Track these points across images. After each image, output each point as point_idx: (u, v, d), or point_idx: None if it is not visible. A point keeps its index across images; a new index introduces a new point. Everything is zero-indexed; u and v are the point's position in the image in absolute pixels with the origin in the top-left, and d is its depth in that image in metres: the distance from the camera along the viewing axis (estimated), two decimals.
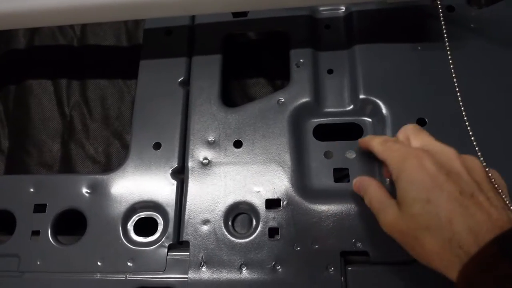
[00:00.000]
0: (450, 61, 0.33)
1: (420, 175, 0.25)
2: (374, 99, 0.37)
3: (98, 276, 0.34)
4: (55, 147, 0.46)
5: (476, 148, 0.30)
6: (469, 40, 0.38)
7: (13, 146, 0.47)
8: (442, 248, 0.24)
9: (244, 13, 0.42)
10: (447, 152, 0.27)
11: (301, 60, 0.39)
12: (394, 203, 0.27)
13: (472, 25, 0.39)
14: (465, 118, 0.31)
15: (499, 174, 0.27)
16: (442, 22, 0.33)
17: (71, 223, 0.37)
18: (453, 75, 0.33)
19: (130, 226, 0.36)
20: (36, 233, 0.36)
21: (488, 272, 0.21)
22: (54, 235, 0.36)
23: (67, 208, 0.37)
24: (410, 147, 0.28)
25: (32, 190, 0.38)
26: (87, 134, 0.46)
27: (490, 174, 0.26)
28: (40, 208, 0.37)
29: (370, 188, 0.30)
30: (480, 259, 0.22)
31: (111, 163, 0.45)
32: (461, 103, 0.32)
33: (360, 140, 0.34)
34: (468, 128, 0.30)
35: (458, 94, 0.31)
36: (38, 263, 0.35)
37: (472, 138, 0.29)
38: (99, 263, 0.35)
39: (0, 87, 0.50)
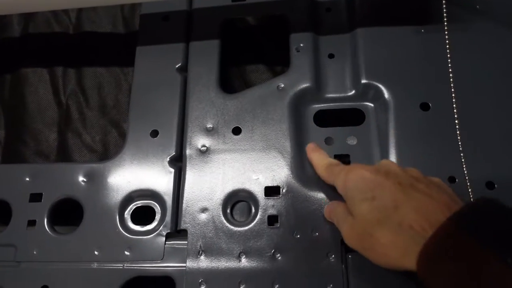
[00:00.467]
0: (447, 46, 0.32)
1: (362, 180, 0.28)
2: (376, 83, 0.36)
3: (95, 265, 0.34)
4: (51, 136, 0.45)
5: (458, 137, 0.29)
6: (474, 23, 0.37)
7: (9, 135, 0.46)
8: (395, 234, 0.24)
9: None
10: (383, 161, 0.29)
11: (301, 45, 0.38)
12: (351, 215, 0.28)
13: (478, 6, 0.38)
14: (454, 105, 0.31)
15: (441, 180, 0.28)
16: (444, 3, 0.32)
17: (68, 212, 0.37)
18: (448, 57, 0.32)
19: (127, 215, 0.36)
20: (32, 222, 0.36)
21: (448, 249, 0.21)
22: (51, 224, 0.36)
23: (64, 197, 0.36)
24: (349, 165, 0.31)
25: (28, 179, 0.37)
26: (84, 123, 0.45)
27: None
28: (36, 197, 0.36)
29: (335, 209, 0.31)
30: (439, 237, 0.22)
31: (109, 152, 0.44)
32: (452, 90, 0.32)
33: (307, 151, 0.34)
34: (456, 121, 0.30)
35: (451, 80, 0.31)
36: (35, 252, 0.35)
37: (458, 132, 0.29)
38: (96, 252, 0.34)
39: None
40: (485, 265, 0.20)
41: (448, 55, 0.35)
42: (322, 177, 0.32)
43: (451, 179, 0.32)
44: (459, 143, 0.33)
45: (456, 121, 0.33)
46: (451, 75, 0.34)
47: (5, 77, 0.48)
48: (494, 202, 0.22)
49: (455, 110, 0.34)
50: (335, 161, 0.32)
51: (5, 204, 0.37)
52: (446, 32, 0.36)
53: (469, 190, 0.31)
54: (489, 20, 0.37)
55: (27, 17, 0.49)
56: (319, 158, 0.33)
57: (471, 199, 0.31)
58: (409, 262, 0.23)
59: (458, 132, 0.33)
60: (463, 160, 0.32)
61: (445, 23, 0.36)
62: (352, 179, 0.28)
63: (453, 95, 0.34)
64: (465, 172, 0.32)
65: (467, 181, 0.32)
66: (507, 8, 0.37)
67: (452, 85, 0.34)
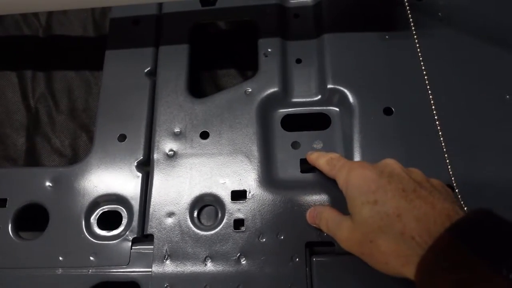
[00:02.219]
0: (418, 51, 0.33)
1: (364, 182, 0.27)
2: (342, 88, 0.36)
3: (60, 271, 0.33)
4: (19, 140, 0.45)
5: (441, 139, 0.30)
6: (437, 29, 0.38)
7: None
8: (396, 244, 0.24)
9: (212, 2, 0.41)
10: (387, 161, 0.28)
11: (269, 50, 0.39)
12: (348, 217, 0.28)
13: (440, 13, 0.39)
14: (432, 107, 0.31)
15: (443, 183, 0.28)
16: (408, 11, 0.33)
17: (34, 217, 0.36)
18: (421, 62, 0.33)
19: (93, 220, 0.35)
20: None
21: (445, 260, 0.21)
22: (15, 230, 0.35)
23: (29, 202, 0.36)
24: (352, 161, 0.31)
25: None
26: (53, 127, 0.45)
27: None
28: (0, 202, 0.36)
29: (324, 213, 0.30)
30: (436, 248, 0.22)
31: (78, 157, 0.44)
32: (429, 91, 0.33)
33: (307, 156, 0.34)
34: (437, 122, 0.31)
35: (427, 82, 0.31)
36: None
37: (440, 132, 0.29)
38: (60, 258, 0.34)
39: None
40: (482, 277, 0.20)
41: (421, 60, 0.36)
42: (323, 169, 0.32)
43: None
44: (443, 144, 0.33)
45: (438, 125, 0.33)
46: (426, 80, 0.35)
47: None
48: (492, 214, 0.22)
49: (435, 114, 0.34)
50: (335, 155, 0.32)
51: None
52: (415, 38, 0.36)
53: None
54: (450, 26, 0.38)
55: None
56: (320, 154, 0.33)
57: None
58: (409, 271, 0.24)
59: (440, 133, 0.33)
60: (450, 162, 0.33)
61: (413, 29, 0.37)
62: (354, 178, 0.27)
63: (431, 100, 0.34)
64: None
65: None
66: (466, 15, 0.38)
67: (428, 87, 0.35)
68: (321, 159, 0.32)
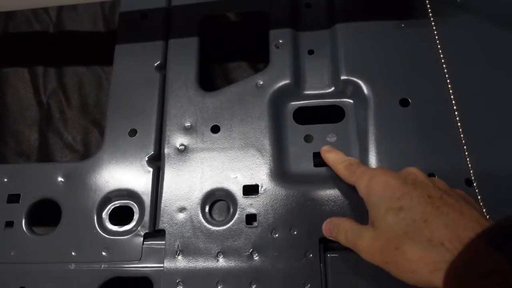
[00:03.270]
0: (436, 38, 0.32)
1: (388, 188, 0.26)
2: (356, 79, 0.35)
3: (72, 266, 0.33)
4: (32, 136, 0.45)
5: (460, 130, 0.29)
6: (455, 16, 0.36)
7: None
8: (424, 250, 0.23)
9: None
10: (410, 169, 0.28)
11: (281, 41, 0.38)
12: (368, 227, 0.27)
13: (458, 0, 0.37)
14: (453, 101, 0.30)
15: (465, 193, 0.27)
16: None
17: (47, 213, 0.37)
18: (440, 51, 0.32)
19: (105, 215, 0.35)
20: (10, 223, 0.35)
21: (476, 267, 0.20)
22: (29, 225, 0.35)
23: (42, 198, 0.36)
24: (373, 168, 0.30)
25: (5, 180, 0.37)
26: (65, 123, 0.45)
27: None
28: (13, 198, 0.36)
29: (342, 224, 0.29)
30: (467, 254, 0.21)
31: (90, 152, 0.44)
32: (448, 81, 0.31)
33: (322, 154, 0.33)
34: (455, 113, 0.29)
35: (446, 71, 0.30)
36: (12, 253, 0.34)
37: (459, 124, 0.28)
38: (73, 253, 0.34)
39: None
40: None
41: (439, 49, 0.34)
42: (342, 176, 0.31)
43: (430, 176, 0.32)
44: (462, 136, 0.32)
45: (456, 115, 0.32)
46: (444, 69, 0.34)
47: None
48: None
49: (453, 104, 0.33)
50: (354, 160, 0.31)
51: None
52: (433, 25, 0.35)
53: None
54: (470, 13, 0.37)
55: (7, 16, 0.49)
56: (337, 157, 0.32)
57: None
58: (437, 279, 0.23)
59: (459, 125, 0.32)
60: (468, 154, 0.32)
61: (430, 16, 0.36)
62: (377, 184, 0.27)
63: (450, 90, 0.33)
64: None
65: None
66: (485, 2, 0.37)
67: (446, 76, 0.34)
68: (340, 165, 0.31)
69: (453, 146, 0.32)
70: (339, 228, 0.29)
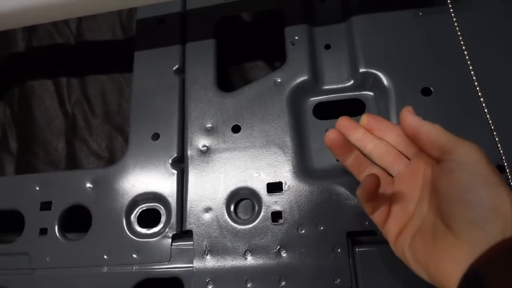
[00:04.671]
0: (456, 24, 0.31)
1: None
2: (375, 71, 0.35)
3: (105, 269, 0.34)
4: (60, 145, 0.46)
5: (490, 122, 0.28)
6: (475, 1, 0.35)
7: (20, 147, 0.48)
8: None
9: None
10: None
11: (296, 38, 0.38)
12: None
13: None
14: (477, 89, 0.29)
15: None
16: None
17: (79, 219, 0.38)
18: (460, 38, 0.31)
19: (133, 218, 0.36)
20: (44, 230, 0.37)
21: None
22: (61, 231, 0.37)
23: (72, 204, 0.37)
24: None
25: (37, 188, 0.38)
26: (90, 131, 0.46)
27: None
28: (46, 205, 0.38)
29: None
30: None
31: (115, 158, 0.45)
32: (471, 68, 0.30)
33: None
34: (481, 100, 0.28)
35: (467, 57, 0.29)
36: (48, 259, 0.36)
37: (485, 110, 0.27)
38: (105, 257, 0.35)
39: (6, 90, 0.50)
40: None
41: (459, 35, 0.33)
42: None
43: None
44: (490, 122, 0.30)
45: (482, 102, 0.31)
46: (466, 56, 0.33)
47: (13, 91, 0.50)
48: None
49: (478, 91, 0.31)
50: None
51: (18, 214, 0.38)
52: (452, 12, 0.34)
53: None
54: None
55: (30, 31, 0.51)
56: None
57: None
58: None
59: (486, 111, 0.30)
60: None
61: (449, 3, 0.35)
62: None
63: (473, 77, 0.32)
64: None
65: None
66: None
67: (469, 62, 0.33)
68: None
69: (481, 133, 0.32)
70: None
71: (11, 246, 0.37)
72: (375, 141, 0.28)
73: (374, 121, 0.29)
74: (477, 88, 0.31)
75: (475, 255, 0.20)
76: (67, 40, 0.50)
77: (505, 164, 0.30)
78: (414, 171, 0.26)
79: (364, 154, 0.29)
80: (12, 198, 0.39)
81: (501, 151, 0.30)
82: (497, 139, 0.30)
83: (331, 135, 0.28)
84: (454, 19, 0.29)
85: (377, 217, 0.27)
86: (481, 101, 0.32)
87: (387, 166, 0.28)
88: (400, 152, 0.28)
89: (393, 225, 0.26)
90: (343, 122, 0.29)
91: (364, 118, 0.29)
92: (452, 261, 0.21)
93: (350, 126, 0.29)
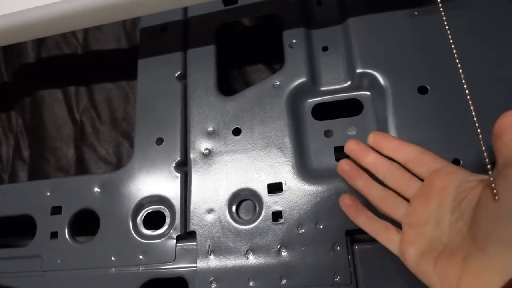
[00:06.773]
0: (446, 23, 0.31)
1: None
2: (372, 71, 0.35)
3: (113, 270, 0.36)
4: (69, 152, 0.48)
5: (476, 125, 0.28)
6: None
7: (32, 154, 0.49)
8: None
9: (235, 0, 0.42)
10: None
11: (294, 41, 0.39)
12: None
13: None
14: (464, 86, 0.29)
15: None
16: None
17: (87, 222, 0.39)
18: (450, 37, 0.31)
19: (139, 220, 0.37)
20: (54, 234, 0.38)
21: None
22: (71, 234, 0.38)
23: (81, 208, 0.39)
24: None
25: (48, 193, 0.40)
26: (98, 137, 0.48)
27: None
28: (56, 210, 0.39)
29: None
30: None
31: (122, 163, 0.46)
32: (460, 69, 0.31)
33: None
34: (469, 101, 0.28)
35: (456, 57, 0.29)
36: (59, 261, 0.37)
37: (472, 113, 0.27)
38: (113, 258, 0.36)
39: (17, 100, 0.52)
40: None
41: (449, 34, 0.34)
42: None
43: (456, 161, 0.32)
44: (475, 121, 0.31)
45: (468, 100, 0.31)
46: (455, 55, 0.33)
47: (25, 100, 0.52)
48: None
49: (465, 88, 0.32)
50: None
51: (30, 218, 0.40)
52: (441, 10, 0.34)
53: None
54: None
55: (39, 42, 0.53)
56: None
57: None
58: None
59: (472, 110, 0.30)
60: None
61: (438, 2, 0.35)
62: None
63: (461, 75, 0.32)
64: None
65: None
66: None
67: (459, 65, 0.33)
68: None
69: (475, 132, 0.32)
70: None
71: (24, 250, 0.39)
72: (387, 164, 0.28)
73: (382, 139, 0.29)
74: (464, 86, 0.31)
75: (508, 277, 0.19)
76: (74, 50, 0.52)
77: (488, 166, 0.30)
78: (428, 193, 0.26)
79: (376, 178, 0.29)
80: (24, 204, 0.40)
81: (485, 154, 0.30)
82: (481, 142, 0.30)
83: (344, 167, 0.29)
84: (444, 17, 0.30)
85: (385, 238, 0.27)
86: (467, 98, 0.32)
87: (401, 190, 0.28)
88: (411, 173, 0.28)
89: (411, 247, 0.25)
90: (353, 146, 0.29)
91: (372, 137, 0.29)
92: (486, 284, 0.20)
93: (360, 150, 0.29)
